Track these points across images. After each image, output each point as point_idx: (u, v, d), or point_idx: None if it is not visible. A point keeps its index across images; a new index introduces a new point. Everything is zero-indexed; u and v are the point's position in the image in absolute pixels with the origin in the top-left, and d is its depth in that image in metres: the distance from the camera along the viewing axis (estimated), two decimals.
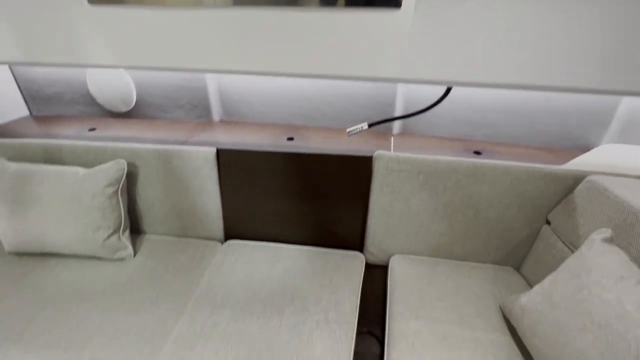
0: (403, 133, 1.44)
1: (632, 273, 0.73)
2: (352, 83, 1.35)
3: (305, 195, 1.25)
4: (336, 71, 0.83)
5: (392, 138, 1.40)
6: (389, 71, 0.82)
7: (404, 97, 1.37)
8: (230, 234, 1.37)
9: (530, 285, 1.11)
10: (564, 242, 1.02)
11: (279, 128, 1.50)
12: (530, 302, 0.89)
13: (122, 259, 1.27)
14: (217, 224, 1.35)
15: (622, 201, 0.88)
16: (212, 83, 1.50)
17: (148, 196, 1.32)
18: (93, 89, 1.55)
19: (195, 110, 1.57)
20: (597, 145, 1.26)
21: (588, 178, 1.01)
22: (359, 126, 1.31)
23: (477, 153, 1.26)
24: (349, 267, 1.22)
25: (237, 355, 0.90)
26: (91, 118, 1.66)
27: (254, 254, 1.28)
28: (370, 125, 1.28)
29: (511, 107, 1.29)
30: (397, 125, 1.45)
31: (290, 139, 1.38)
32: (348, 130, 1.30)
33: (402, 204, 1.18)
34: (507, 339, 0.95)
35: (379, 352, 1.00)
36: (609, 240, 0.82)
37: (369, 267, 1.27)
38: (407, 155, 1.12)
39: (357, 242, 1.31)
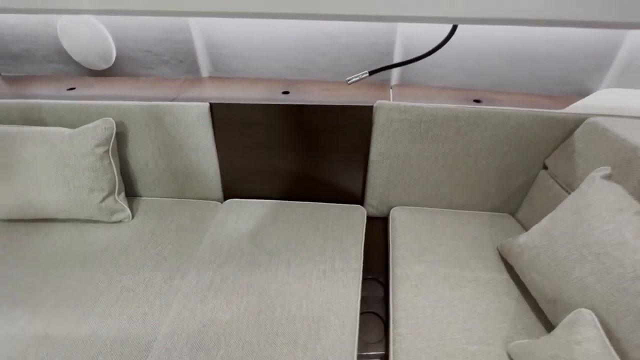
0: (401, 84, 1.40)
1: (630, 205, 0.75)
2: (348, 31, 1.28)
3: (304, 149, 1.23)
4: (335, 10, 0.78)
5: (391, 89, 1.36)
6: (390, 8, 0.77)
7: (403, 47, 1.32)
8: (229, 194, 1.36)
9: (526, 229, 1.15)
10: (560, 185, 1.05)
11: (273, 82, 1.43)
12: (529, 239, 0.93)
13: (120, 222, 1.25)
14: (215, 183, 1.32)
15: (621, 139, 0.89)
16: (198, 35, 1.40)
17: (140, 157, 1.27)
18: (67, 45, 1.42)
19: (181, 66, 1.47)
20: (596, 90, 1.26)
21: (588, 120, 1.01)
22: (359, 74, 1.26)
23: (477, 101, 1.24)
24: (350, 219, 1.23)
25: (249, 304, 0.92)
26: (68, 77, 1.54)
27: (255, 211, 1.27)
28: (371, 73, 1.23)
29: (511, 53, 1.26)
30: (395, 76, 1.41)
31: (286, 92, 1.33)
32: (347, 78, 1.25)
33: (403, 155, 1.17)
34: (505, 277, 1.00)
35: (383, 295, 1.04)
36: (608, 177, 0.84)
37: (370, 219, 1.29)
38: (408, 104, 1.10)
39: (358, 196, 1.32)
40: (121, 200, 1.24)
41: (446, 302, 0.92)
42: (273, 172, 1.29)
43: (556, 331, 0.73)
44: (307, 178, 1.29)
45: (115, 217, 1.23)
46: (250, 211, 1.27)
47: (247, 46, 1.41)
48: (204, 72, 1.50)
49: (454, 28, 1.06)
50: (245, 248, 1.11)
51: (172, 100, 1.26)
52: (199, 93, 1.34)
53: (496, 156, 1.14)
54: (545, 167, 1.13)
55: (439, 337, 0.84)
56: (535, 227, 0.93)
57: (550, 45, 1.22)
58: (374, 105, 1.12)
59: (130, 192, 1.35)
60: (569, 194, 0.94)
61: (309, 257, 1.07)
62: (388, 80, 1.41)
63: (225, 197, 1.36)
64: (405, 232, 1.16)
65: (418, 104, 1.09)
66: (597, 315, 0.68)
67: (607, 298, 0.68)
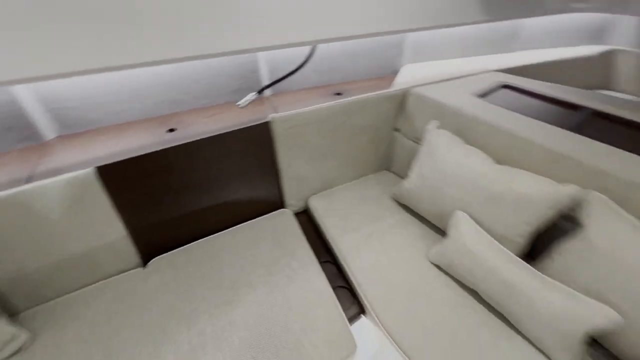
0: (275, 94, 1.56)
1: (456, 141, 1.21)
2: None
3: (212, 180, 1.25)
4: (198, 50, 0.86)
5: (271, 100, 1.50)
6: (252, 41, 0.93)
7: (267, 62, 1.47)
8: (148, 254, 1.23)
9: (402, 177, 1.58)
10: (411, 140, 1.50)
11: (149, 122, 1.33)
12: (411, 183, 1.32)
13: (17, 352, 0.96)
14: (127, 251, 1.17)
15: (433, 100, 1.37)
16: (26, 92, 1.12)
17: (17, 259, 0.98)
18: None
19: (11, 133, 1.15)
20: (401, 67, 1.79)
21: (410, 91, 1.47)
22: (248, 96, 1.36)
23: (339, 94, 1.55)
24: (282, 223, 1.36)
25: (242, 339, 0.96)
26: None
27: (187, 258, 1.22)
28: (259, 92, 1.35)
29: (347, 52, 1.62)
30: (268, 89, 1.55)
31: (172, 130, 1.27)
32: (238, 103, 1.33)
33: (304, 153, 1.37)
34: (407, 215, 1.38)
35: (336, 270, 1.25)
36: (438, 127, 1.30)
37: (296, 215, 1.46)
38: (296, 111, 1.28)
39: (278, 201, 1.45)
40: (4, 325, 0.95)
41: (381, 249, 1.21)
42: (189, 214, 1.25)
43: (449, 232, 1.12)
44: (226, 205, 1.32)
45: (9, 349, 0.94)
46: (183, 260, 1.21)
47: (98, 92, 1.24)
48: (49, 134, 1.23)
49: (313, 48, 1.31)
50: (205, 294, 1.08)
51: (29, 180, 1.01)
52: (61, 160, 1.12)
53: (365, 132, 1.49)
54: (397, 130, 1.57)
55: (385, 269, 1.13)
56: (411, 174, 1.33)
57: (368, 44, 1.64)
58: (270, 119, 1.25)
59: (24, 305, 1.03)
60: (420, 144, 1.37)
61: (267, 271, 1.15)
62: (263, 93, 1.54)
63: (146, 260, 1.23)
64: (328, 213, 1.39)
65: (303, 110, 1.29)
66: (467, 213, 1.10)
67: (466, 201, 1.11)
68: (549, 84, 1.59)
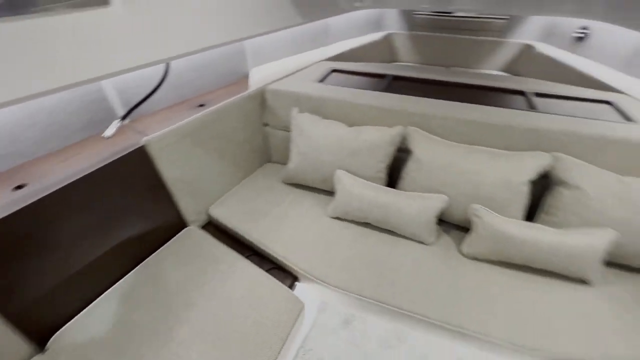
0: (137, 118, 1.47)
1: (316, 119, 1.50)
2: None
3: (99, 223, 1.13)
4: (41, 87, 0.84)
5: (135, 125, 1.42)
6: (100, 69, 0.96)
7: (115, 87, 1.37)
8: (42, 334, 1.02)
9: (284, 163, 1.78)
10: (280, 129, 1.72)
11: None
12: (293, 163, 1.54)
13: None
14: (11, 342, 0.94)
15: (288, 92, 1.62)
16: None
17: None
18: None
19: None
20: (249, 71, 1.97)
21: (266, 89, 1.68)
22: (112, 125, 1.28)
23: (202, 105, 1.61)
24: (193, 240, 1.36)
25: (192, 340, 0.97)
26: None
27: (99, 319, 1.08)
28: (123, 118, 1.29)
29: (196, 65, 1.68)
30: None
31: (20, 187, 1.06)
32: (104, 134, 1.24)
33: (188, 167, 1.39)
34: (300, 191, 1.60)
35: (261, 258, 1.35)
36: (299, 112, 1.56)
37: (203, 227, 1.46)
38: (168, 129, 1.29)
39: (180, 222, 1.41)
40: None
41: (289, 224, 1.39)
42: (83, 270, 1.10)
43: (336, 189, 1.41)
44: (123, 246, 1.21)
45: None
46: (96, 321, 1.07)
47: None
48: None
49: (168, 66, 1.33)
50: (139, 336, 1.01)
51: None
52: None
53: (238, 133, 1.61)
54: (266, 125, 1.76)
55: (299, 238, 1.32)
56: (292, 156, 1.55)
57: (213, 54, 1.74)
58: (144, 144, 1.21)
59: None
60: (289, 131, 1.60)
61: (198, 284, 1.16)
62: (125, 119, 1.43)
63: (42, 342, 1.01)
64: (232, 214, 1.46)
65: (175, 126, 1.31)
66: (342, 169, 1.41)
67: (338, 161, 1.41)
68: (361, 63, 2.10)
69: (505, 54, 2.88)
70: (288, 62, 2.13)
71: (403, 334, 1.58)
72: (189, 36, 1.19)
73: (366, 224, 1.38)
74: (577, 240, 1.09)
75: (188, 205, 1.42)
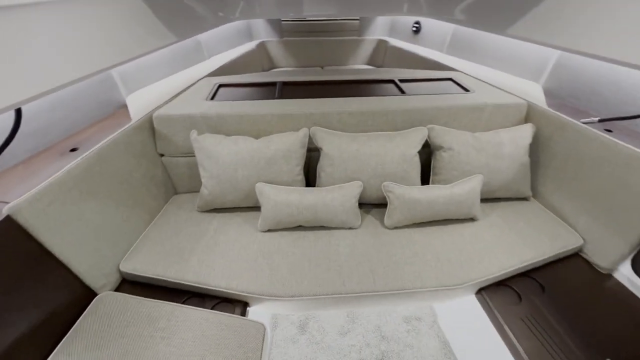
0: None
1: (219, 137, 1.44)
2: None
3: None
4: None
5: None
6: None
7: None
8: None
9: (194, 191, 1.65)
10: (181, 156, 1.58)
11: None
12: (208, 188, 1.45)
13: None
14: None
15: (181, 115, 1.50)
16: None
17: None
18: None
19: None
20: (125, 99, 1.73)
21: (154, 116, 1.50)
22: None
23: (75, 149, 1.34)
24: (109, 307, 1.13)
25: None
26: None
27: None
28: None
29: (55, 104, 1.38)
30: None
31: None
32: None
33: (83, 224, 1.15)
34: (222, 214, 1.51)
35: (201, 297, 1.23)
36: (200, 133, 1.47)
37: (117, 289, 1.24)
38: (41, 187, 1.04)
39: (86, 292, 1.15)
40: None
41: (222, 251, 1.31)
42: None
43: (261, 202, 1.40)
44: (23, 340, 0.93)
45: None
46: None
47: None
48: None
49: (19, 112, 1.06)
50: None
51: None
52: None
53: (133, 170, 1.40)
54: (162, 155, 1.59)
55: (236, 263, 1.27)
56: (204, 181, 1.45)
57: (84, 83, 1.47)
58: (9, 214, 0.95)
59: None
60: (192, 156, 1.50)
61: (139, 353, 0.99)
62: None
63: None
64: (152, 263, 1.27)
65: (49, 182, 1.06)
66: (262, 181, 1.40)
67: (255, 173, 1.40)
68: (245, 75, 2.10)
69: (365, 49, 3.32)
70: (167, 83, 1.96)
71: (355, 315, 1.70)
72: (42, 74, 0.98)
73: (299, 227, 1.43)
74: (461, 189, 1.39)
75: (91, 270, 1.18)
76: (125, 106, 1.69)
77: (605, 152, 1.29)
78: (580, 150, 1.38)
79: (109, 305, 1.15)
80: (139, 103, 1.67)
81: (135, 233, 1.39)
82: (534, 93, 1.76)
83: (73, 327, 1.06)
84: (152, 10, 1.42)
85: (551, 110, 1.54)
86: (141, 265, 1.27)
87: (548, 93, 1.80)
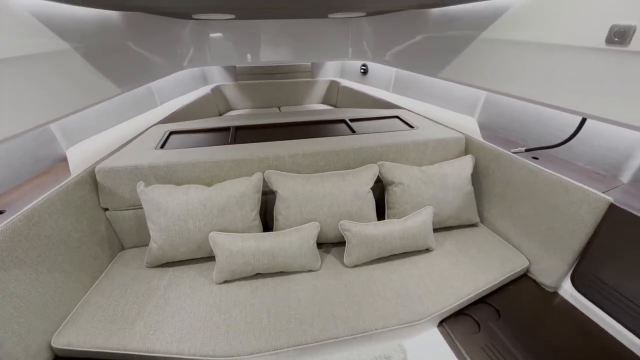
0: None
1: (169, 187, 1.39)
2: None
3: None
4: None
5: None
6: None
7: None
8: None
9: (142, 246, 1.55)
10: (126, 209, 1.49)
11: None
12: (158, 241, 1.37)
13: None
14: None
15: (126, 167, 1.43)
16: None
17: None
18: None
19: None
20: (65, 152, 1.63)
21: (97, 169, 1.43)
22: None
23: (1, 212, 1.21)
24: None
25: None
26: None
27: None
28: None
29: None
30: None
31: None
32: None
33: (6, 296, 1.02)
34: (173, 268, 1.42)
35: None
36: (148, 185, 1.40)
37: None
38: None
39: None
40: None
41: (174, 310, 1.22)
42: None
43: (216, 252, 1.34)
44: None
45: None
46: None
47: None
48: None
49: None
50: None
51: None
52: None
53: (72, 229, 1.29)
54: (106, 209, 1.49)
55: (190, 323, 1.19)
56: (153, 234, 1.37)
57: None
58: None
59: None
60: (139, 208, 1.42)
61: None
62: None
63: None
64: (91, 332, 1.14)
65: None
66: (215, 231, 1.35)
67: (208, 223, 1.35)
68: (198, 120, 2.10)
69: (320, 89, 3.49)
70: (114, 133, 1.89)
71: None
72: None
73: (257, 275, 1.37)
74: (413, 222, 1.44)
75: (13, 351, 1.02)
76: (65, 160, 1.59)
77: (533, 178, 1.43)
78: (514, 177, 1.52)
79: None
80: (81, 156, 1.58)
81: (73, 300, 1.25)
82: (470, 126, 1.93)
83: None
84: (92, 65, 1.40)
85: (486, 142, 1.70)
86: (77, 338, 1.13)
87: (482, 126, 1.98)
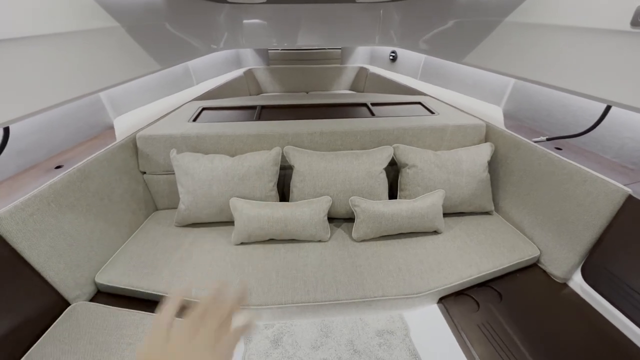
0: None
1: (197, 156, 1.54)
2: None
3: None
4: None
5: None
6: None
7: None
8: None
9: (173, 208, 1.73)
10: (161, 174, 1.67)
11: None
12: (185, 203, 1.53)
13: None
14: None
15: (163, 135, 1.60)
16: None
17: None
18: None
19: None
20: (113, 121, 1.84)
21: (138, 136, 1.61)
22: None
23: (60, 167, 1.43)
24: (83, 318, 1.17)
25: None
26: None
27: None
28: None
29: (44, 124, 1.49)
30: None
31: None
32: None
33: (61, 236, 1.21)
34: (198, 228, 1.58)
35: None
36: (180, 152, 1.57)
37: (93, 299, 1.29)
38: (23, 199, 1.11)
39: (59, 302, 1.20)
40: None
41: (195, 264, 1.38)
42: None
43: (235, 216, 1.47)
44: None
45: None
46: None
47: None
48: None
49: (7, 131, 1.16)
50: None
51: None
52: None
53: (114, 186, 1.49)
54: (144, 173, 1.68)
55: (212, 277, 1.34)
56: (181, 197, 1.53)
57: (72, 105, 1.58)
58: None
59: None
60: (171, 173, 1.59)
61: None
62: None
63: None
64: (126, 275, 1.32)
65: (31, 194, 1.14)
66: (235, 197, 1.49)
67: (230, 189, 1.48)
68: (228, 99, 2.25)
69: (348, 76, 3.52)
70: (155, 106, 2.09)
71: (328, 329, 1.72)
72: (30, 95, 1.09)
73: (270, 240, 1.50)
74: (422, 203, 1.48)
75: (66, 280, 1.23)
76: (112, 128, 1.80)
77: (552, 168, 1.40)
78: (533, 166, 1.49)
79: (80, 314, 1.19)
80: (125, 125, 1.78)
81: (113, 247, 1.46)
82: (495, 115, 1.89)
83: (44, 335, 1.10)
84: (137, 42, 1.56)
85: (507, 130, 1.67)
86: (115, 277, 1.33)
87: (508, 115, 1.94)
